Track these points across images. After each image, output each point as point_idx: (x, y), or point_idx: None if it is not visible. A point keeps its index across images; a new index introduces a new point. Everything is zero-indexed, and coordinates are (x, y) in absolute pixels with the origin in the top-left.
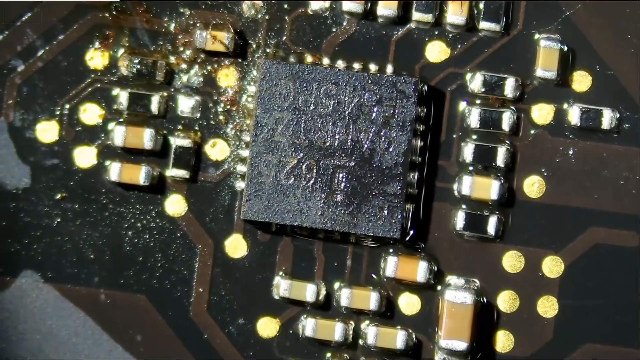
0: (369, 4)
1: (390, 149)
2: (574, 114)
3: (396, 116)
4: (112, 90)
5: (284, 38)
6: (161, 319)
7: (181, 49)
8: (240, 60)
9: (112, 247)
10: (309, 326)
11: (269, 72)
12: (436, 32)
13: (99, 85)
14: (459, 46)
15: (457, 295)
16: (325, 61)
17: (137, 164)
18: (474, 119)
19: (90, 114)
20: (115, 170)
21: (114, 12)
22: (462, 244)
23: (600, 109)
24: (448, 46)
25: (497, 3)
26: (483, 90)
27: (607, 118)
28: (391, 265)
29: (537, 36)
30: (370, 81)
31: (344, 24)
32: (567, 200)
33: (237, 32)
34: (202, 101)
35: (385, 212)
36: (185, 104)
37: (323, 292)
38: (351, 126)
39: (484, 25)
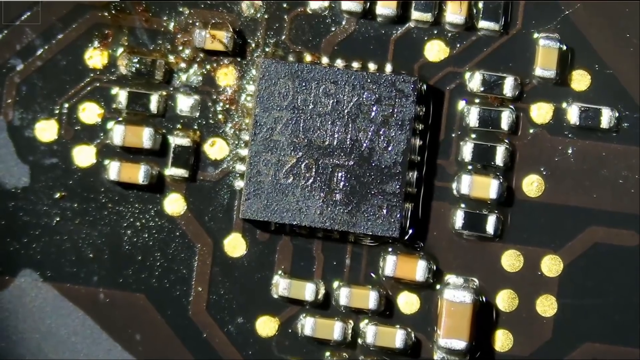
0: (368, 3)
1: (389, 148)
2: (573, 113)
3: (395, 115)
4: (111, 89)
5: (283, 37)
6: (160, 318)
7: (180, 48)
8: (239, 60)
9: (111, 246)
10: (308, 325)
11: (268, 71)
12: (435, 32)
13: (98, 85)
14: (458, 45)
15: (456, 295)
16: (325, 60)
17: (136, 163)
18: (473, 118)
19: (90, 113)
20: (114, 170)
21: (113, 12)
22: (461, 243)
23: (599, 108)
24: (447, 45)
25: (496, 2)
26: (482, 89)
27: (606, 117)
28: (390, 264)
29: (536, 35)
30: (369, 80)
31: (343, 23)
32: (566, 200)
33: (236, 31)
34: (201, 100)
35: (384, 211)
36: (185, 103)
37: (322, 291)
38: (350, 125)
39: (483, 24)
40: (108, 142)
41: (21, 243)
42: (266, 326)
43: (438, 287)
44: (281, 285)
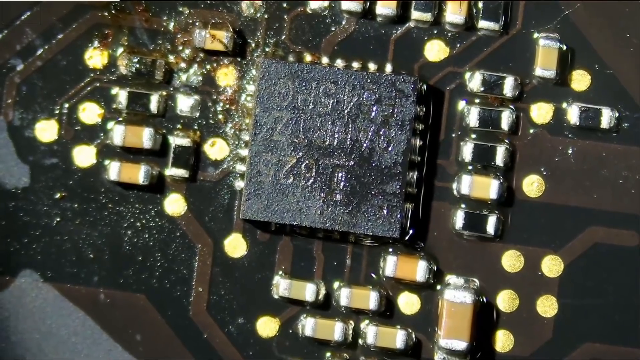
0: (368, 3)
1: (390, 148)
2: (573, 113)
3: (395, 115)
4: (111, 89)
5: (283, 37)
6: (160, 319)
7: (180, 48)
8: (239, 60)
9: (111, 247)
10: (308, 326)
11: (268, 71)
12: (435, 31)
13: (98, 85)
14: (458, 45)
15: (457, 295)
16: (325, 60)
17: (137, 163)
18: (473, 118)
19: (90, 113)
20: (114, 170)
21: (113, 12)
22: (462, 244)
23: (599, 108)
24: (447, 45)
25: (496, 2)
26: (482, 89)
27: (606, 117)
28: (390, 265)
29: (536, 35)
30: (369, 80)
31: (343, 23)
32: (566, 200)
33: (236, 31)
34: (201, 100)
35: (385, 211)
36: (185, 103)
37: (322, 291)
38: (350, 125)
39: (483, 24)
40: (108, 142)
41: (21, 243)
42: (267, 327)
43: (438, 287)
44: (282, 286)
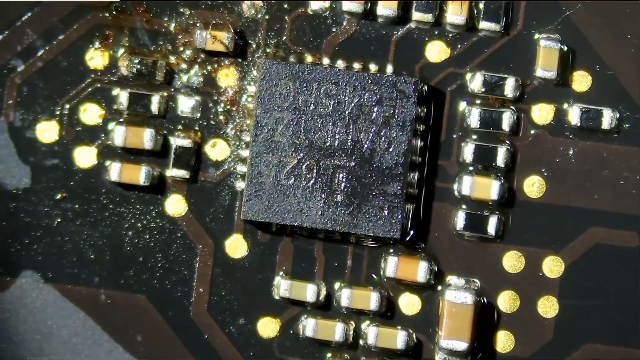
0: (369, 4)
1: (391, 149)
2: (574, 114)
3: (396, 116)
4: (112, 90)
5: (284, 38)
6: (161, 319)
7: (181, 49)
8: (240, 60)
9: (112, 247)
10: (309, 326)
11: (269, 72)
12: (436, 32)
13: (99, 85)
14: (459, 46)
15: (458, 296)
16: (325, 61)
17: (137, 164)
18: (474, 119)
19: (91, 114)
20: (115, 171)
21: (114, 12)
22: (463, 244)
23: (600, 109)
24: (448, 46)
25: (497, 3)
26: (483, 90)
27: (607, 118)
28: (391, 266)
29: (537, 36)
30: (370, 81)
31: (344, 23)
32: (567, 200)
33: (237, 32)
34: (202, 101)
35: (386, 212)
36: (186, 104)
37: (323, 292)
38: (351, 126)
39: (484, 25)
40: (109, 143)
41: (22, 244)
42: (267, 327)
43: (439, 288)
44: (282, 287)
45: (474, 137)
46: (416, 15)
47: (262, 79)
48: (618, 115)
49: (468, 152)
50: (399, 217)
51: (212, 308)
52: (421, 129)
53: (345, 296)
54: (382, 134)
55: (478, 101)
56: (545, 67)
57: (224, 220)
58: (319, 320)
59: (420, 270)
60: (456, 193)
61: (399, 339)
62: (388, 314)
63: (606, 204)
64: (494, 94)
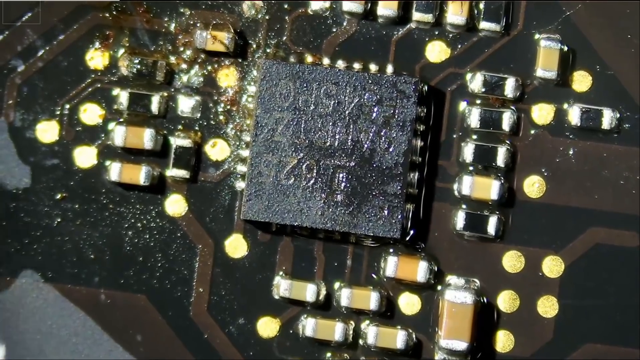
0: (369, 4)
1: (391, 149)
2: (574, 114)
3: (396, 116)
4: (112, 90)
5: (284, 38)
6: (161, 319)
7: (181, 49)
8: (240, 60)
9: (112, 247)
10: (309, 326)
11: (269, 72)
12: (436, 32)
13: (99, 85)
14: (459, 46)
15: (457, 295)
16: (326, 61)
17: (137, 164)
18: (474, 119)
19: (91, 114)
20: (115, 170)
21: (114, 12)
22: (462, 244)
23: (600, 109)
24: (448, 46)
25: (497, 3)
26: (483, 90)
27: (607, 118)
28: (391, 265)
29: (537, 36)
30: (370, 81)
31: (344, 24)
32: (567, 200)
33: (237, 32)
34: (203, 101)
35: (386, 212)
36: (186, 104)
37: (323, 292)
38: (351, 126)
39: (484, 25)
40: (109, 143)
41: (22, 244)
42: (267, 327)
43: (439, 288)
44: (282, 286)
45: (474, 137)
46: (416, 16)
47: (262, 79)
48: (618, 115)
49: (468, 152)
50: (399, 217)
51: (212, 308)
52: (421, 129)
53: (345, 296)
54: (382, 134)
55: (478, 101)
56: (545, 67)
57: (224, 220)
58: (319, 320)
59: (420, 270)
60: (456, 193)
61: (398, 338)
62: (388, 314)
63: (606, 204)
64: (494, 94)
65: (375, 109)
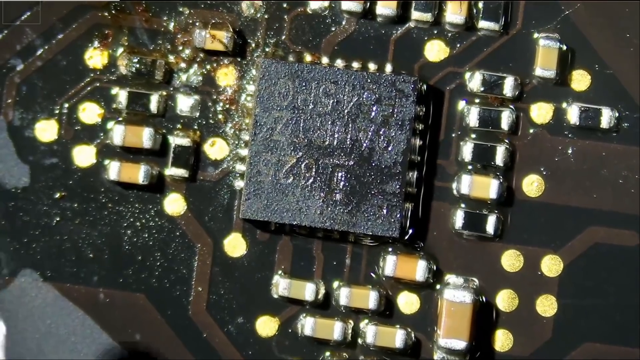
0: (368, 3)
1: (390, 148)
2: (573, 113)
3: (395, 115)
4: (111, 89)
5: (283, 37)
6: (160, 318)
7: (180, 48)
8: (239, 60)
9: (111, 246)
10: (308, 325)
11: (268, 71)
12: (435, 32)
13: (98, 85)
14: (458, 45)
15: (456, 294)
16: (325, 60)
17: (136, 163)
18: (473, 118)
19: (90, 113)
20: (114, 169)
21: (113, 12)
22: (461, 243)
23: (599, 108)
24: (447, 45)
25: (496, 2)
26: (482, 89)
27: (606, 117)
28: (390, 264)
29: (536, 35)
30: (369, 80)
31: (343, 23)
32: (566, 200)
33: (236, 31)
34: (201, 100)
35: (384, 211)
36: (185, 103)
37: (322, 291)
38: (350, 125)
39: (483, 24)
40: (108, 142)
41: (21, 243)
42: (266, 326)
43: (438, 287)
44: (281, 285)
45: (473, 136)
46: (415, 15)
47: (261, 78)
48: (617, 115)
49: (467, 151)
50: (398, 216)
51: (211, 307)
52: (420, 128)
53: (344, 295)
54: (381, 133)
55: (477, 100)
56: (544, 67)
57: (223, 219)
58: (318, 319)
59: (419, 269)
60: (455, 192)
61: (397, 337)
62: (387, 313)
63: (605, 203)
64: (493, 93)
65: (374, 108)
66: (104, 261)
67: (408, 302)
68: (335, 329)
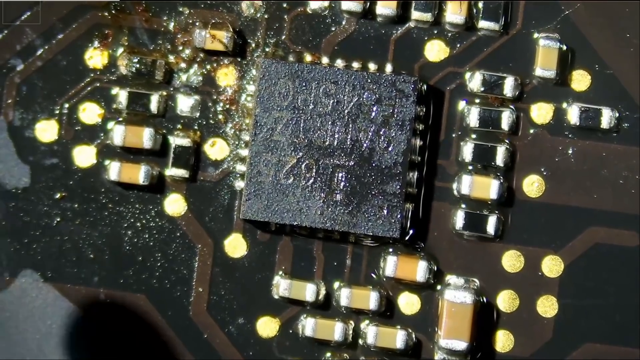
0: (368, 3)
1: (390, 148)
2: (573, 113)
3: (395, 115)
4: (111, 89)
5: (283, 37)
6: (161, 319)
7: (180, 48)
8: (239, 60)
9: (111, 247)
10: (308, 326)
11: (268, 71)
12: (435, 31)
13: (98, 85)
14: (458, 45)
15: (457, 295)
16: (325, 60)
17: (137, 164)
18: (473, 118)
19: (90, 113)
20: (114, 170)
21: (113, 12)
22: (462, 244)
23: (599, 108)
24: (447, 45)
25: (496, 2)
26: (482, 89)
27: (607, 117)
28: (391, 265)
29: (536, 35)
30: (369, 80)
31: (343, 23)
32: (566, 200)
33: (236, 31)
34: (202, 100)
35: (385, 211)
36: (185, 103)
37: (323, 291)
38: (350, 125)
39: (483, 24)
40: (108, 143)
41: (22, 243)
42: (267, 327)
43: (439, 287)
44: (282, 286)
45: (473, 136)
46: (415, 15)
47: (262, 78)
48: (617, 115)
49: (467, 151)
50: (398, 216)
51: (212, 307)
52: (420, 128)
53: (345, 296)
54: (381, 133)
55: (477, 100)
56: (544, 67)
57: (223, 219)
58: (319, 319)
59: (419, 270)
60: (455, 192)
61: (398, 338)
62: (387, 314)
63: (605, 204)
64: (493, 93)
65: (375, 108)
66: (105, 262)
67: (409, 303)
68: (336, 330)
